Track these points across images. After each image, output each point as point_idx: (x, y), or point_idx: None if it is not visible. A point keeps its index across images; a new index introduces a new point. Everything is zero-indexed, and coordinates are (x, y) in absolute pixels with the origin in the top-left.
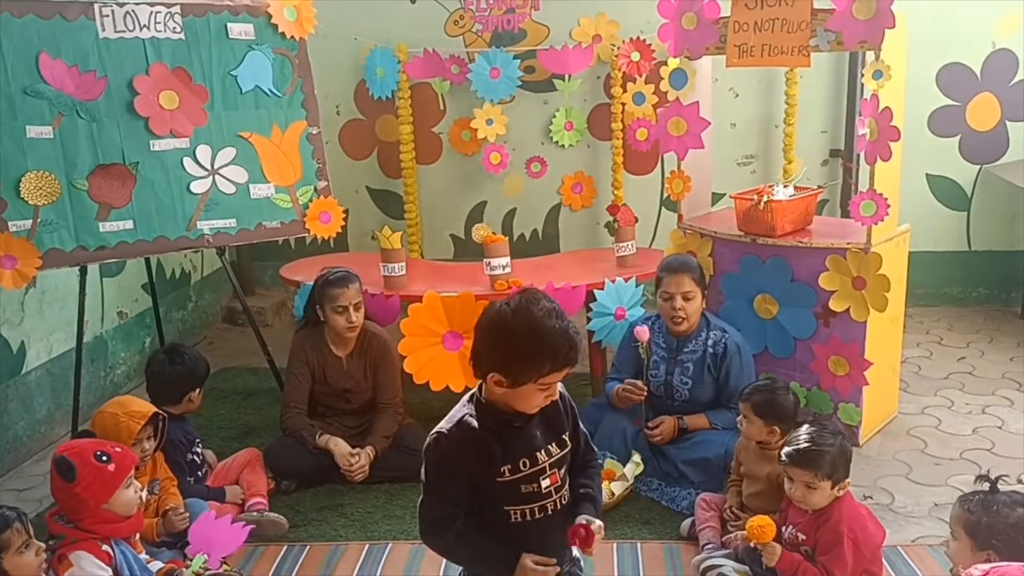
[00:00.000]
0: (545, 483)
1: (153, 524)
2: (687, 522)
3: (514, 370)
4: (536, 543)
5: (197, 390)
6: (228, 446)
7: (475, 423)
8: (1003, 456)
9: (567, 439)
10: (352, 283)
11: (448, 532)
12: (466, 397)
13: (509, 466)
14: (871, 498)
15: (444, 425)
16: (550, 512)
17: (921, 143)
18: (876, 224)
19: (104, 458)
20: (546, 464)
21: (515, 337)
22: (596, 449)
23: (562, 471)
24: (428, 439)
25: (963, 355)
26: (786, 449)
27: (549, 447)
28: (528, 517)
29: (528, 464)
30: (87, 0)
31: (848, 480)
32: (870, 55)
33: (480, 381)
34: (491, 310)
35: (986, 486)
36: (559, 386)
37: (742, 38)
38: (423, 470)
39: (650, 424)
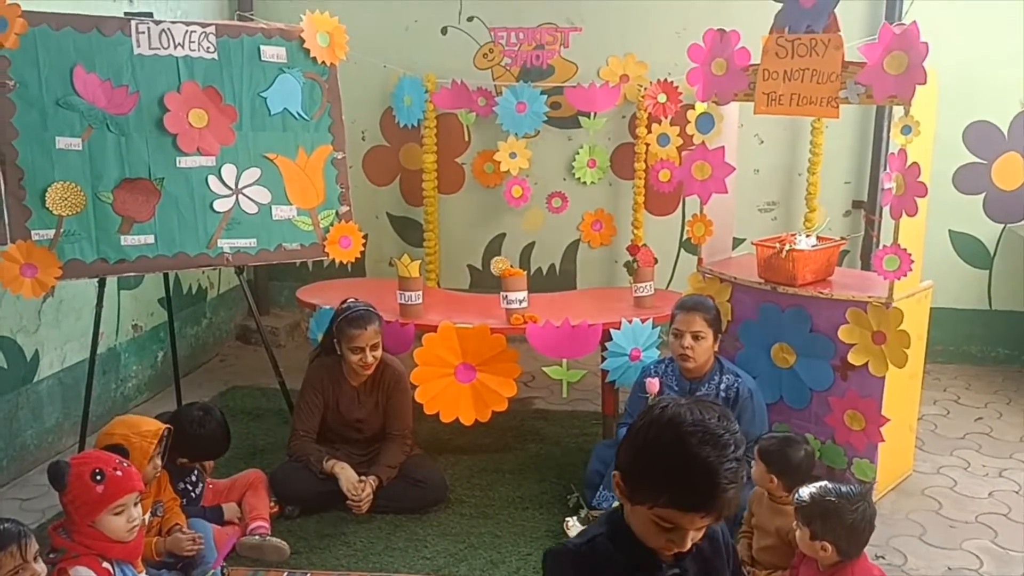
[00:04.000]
0: None
1: (152, 543)
2: None
3: (631, 477)
4: None
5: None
6: (234, 466)
7: (611, 547)
8: (1019, 522)
9: None
10: (371, 324)
11: None
12: (607, 512)
13: None
14: (883, 558)
15: (574, 540)
16: None
17: (945, 199)
18: (899, 279)
19: (98, 478)
20: None
21: (645, 437)
22: None
23: None
24: (551, 548)
25: (981, 415)
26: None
27: None
28: None
29: None
30: (125, 16)
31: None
32: (898, 109)
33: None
34: (658, 402)
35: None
36: (717, 529)
37: (771, 86)
38: None
39: None
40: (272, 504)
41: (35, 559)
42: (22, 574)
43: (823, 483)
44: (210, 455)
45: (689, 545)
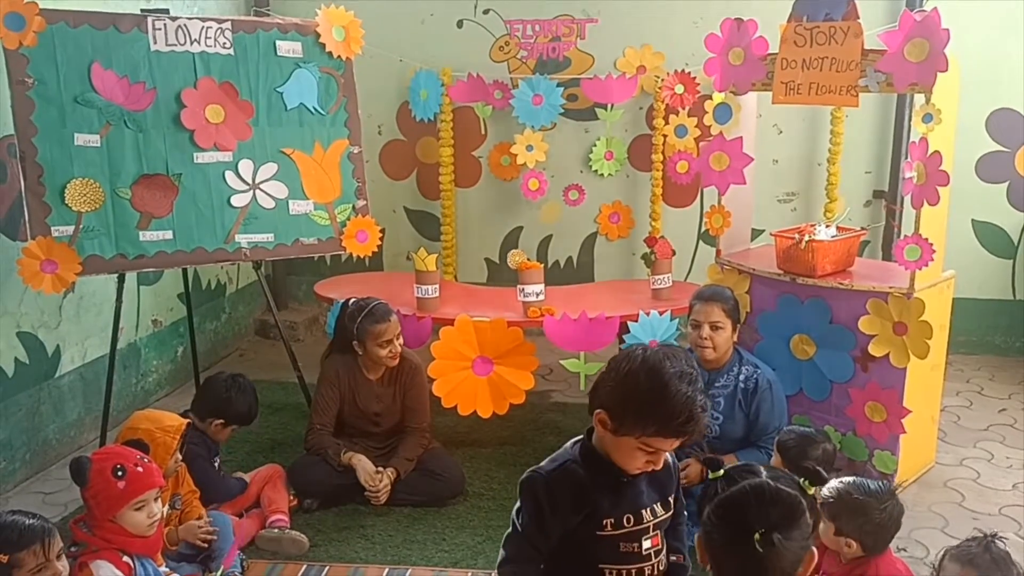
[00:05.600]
0: (647, 544)
1: (166, 533)
2: None
3: (619, 415)
4: None
5: (230, 427)
6: (253, 460)
7: (580, 470)
8: None
9: (672, 501)
10: (391, 314)
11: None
12: (572, 441)
13: (612, 520)
14: (905, 551)
15: (546, 466)
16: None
17: (968, 188)
18: (920, 269)
19: (119, 473)
20: (650, 524)
21: (632, 381)
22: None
23: (662, 534)
24: (525, 475)
25: (1004, 407)
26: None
27: (655, 507)
28: None
29: (632, 521)
30: (141, 13)
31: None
32: (919, 97)
33: (591, 424)
34: (626, 348)
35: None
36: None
37: (790, 75)
38: (517, 505)
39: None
40: (291, 497)
41: (58, 557)
42: (44, 572)
43: (851, 478)
44: (244, 416)
45: (661, 464)
